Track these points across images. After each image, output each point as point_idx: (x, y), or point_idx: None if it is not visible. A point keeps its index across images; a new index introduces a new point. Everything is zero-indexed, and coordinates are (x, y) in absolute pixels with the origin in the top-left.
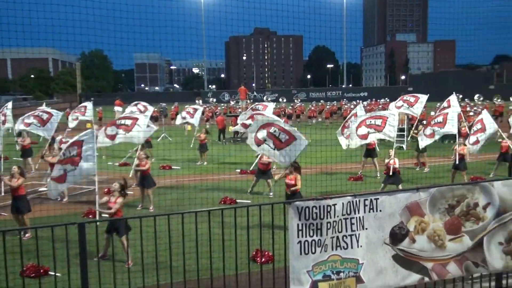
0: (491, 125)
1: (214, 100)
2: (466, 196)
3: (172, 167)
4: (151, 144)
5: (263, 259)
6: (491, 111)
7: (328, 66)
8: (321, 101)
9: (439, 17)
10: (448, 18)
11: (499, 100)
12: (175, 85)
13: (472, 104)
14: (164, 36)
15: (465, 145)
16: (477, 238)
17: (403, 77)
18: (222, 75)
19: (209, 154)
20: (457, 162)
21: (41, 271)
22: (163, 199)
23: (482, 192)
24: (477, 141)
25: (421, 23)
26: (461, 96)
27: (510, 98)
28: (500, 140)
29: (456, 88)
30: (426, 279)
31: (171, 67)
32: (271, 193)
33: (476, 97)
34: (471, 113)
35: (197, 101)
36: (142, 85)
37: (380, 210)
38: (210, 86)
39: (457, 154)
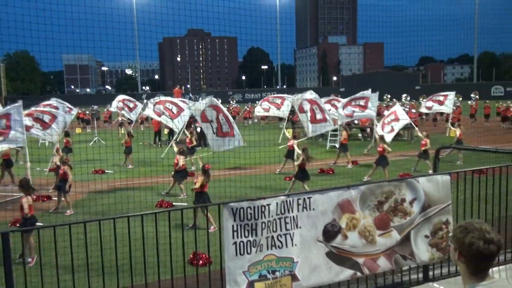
0: (403, 117)
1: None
2: (394, 193)
3: (106, 171)
4: (70, 149)
5: (200, 262)
6: (417, 110)
7: (263, 67)
8: (257, 102)
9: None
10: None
11: (424, 100)
12: (107, 86)
13: (400, 103)
14: (95, 37)
15: (384, 143)
16: (405, 232)
17: (335, 78)
18: (156, 77)
19: (145, 157)
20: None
21: None
22: (95, 204)
23: (408, 188)
24: (392, 130)
25: (351, 26)
26: (389, 96)
27: None
28: (419, 136)
29: (385, 88)
30: (359, 274)
31: (103, 69)
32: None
33: (403, 96)
34: None
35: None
36: (73, 87)
37: (313, 209)
38: (144, 87)
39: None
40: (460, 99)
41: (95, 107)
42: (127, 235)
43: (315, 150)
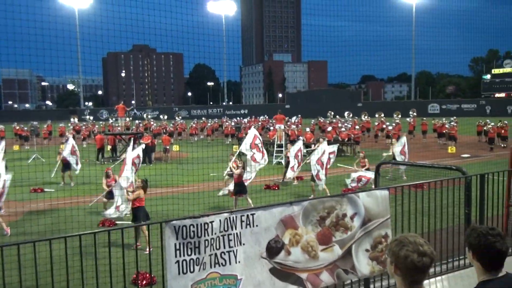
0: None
1: (92, 118)
2: (335, 208)
3: (45, 189)
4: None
5: (143, 282)
6: (359, 126)
7: (209, 83)
8: (203, 118)
9: (312, 40)
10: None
11: (366, 117)
12: (48, 102)
13: (343, 120)
14: (35, 52)
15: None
16: (346, 246)
17: (280, 95)
18: (100, 92)
19: (89, 175)
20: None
21: None
22: (31, 225)
23: (349, 203)
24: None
25: (296, 44)
26: (332, 112)
27: (376, 114)
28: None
29: (329, 105)
30: None
31: (43, 84)
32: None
33: (346, 114)
34: (343, 129)
35: (72, 119)
36: (10, 102)
37: (257, 225)
38: (86, 103)
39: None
40: (400, 116)
41: (34, 123)
42: (64, 256)
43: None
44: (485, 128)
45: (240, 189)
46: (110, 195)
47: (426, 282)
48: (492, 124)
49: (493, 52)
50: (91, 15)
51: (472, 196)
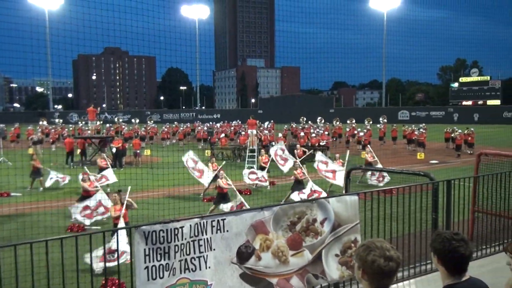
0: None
1: (61, 121)
2: (306, 213)
3: (11, 194)
4: None
5: None
6: (331, 132)
7: (182, 88)
8: (175, 122)
9: (285, 45)
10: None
11: (338, 123)
12: (15, 104)
13: (315, 126)
14: (3, 53)
15: (301, 168)
16: (316, 251)
17: (253, 100)
18: (70, 95)
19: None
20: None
21: None
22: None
23: (319, 209)
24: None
25: (269, 50)
26: (305, 118)
27: (347, 120)
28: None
29: (301, 111)
30: None
31: (11, 85)
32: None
33: (318, 119)
34: (313, 135)
35: (41, 122)
36: None
37: (227, 230)
38: (56, 106)
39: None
40: (371, 122)
41: (1, 125)
42: (30, 262)
43: (234, 171)
44: (452, 135)
45: (222, 200)
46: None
47: (394, 286)
48: (460, 131)
49: (460, 61)
50: (62, 16)
51: (439, 202)
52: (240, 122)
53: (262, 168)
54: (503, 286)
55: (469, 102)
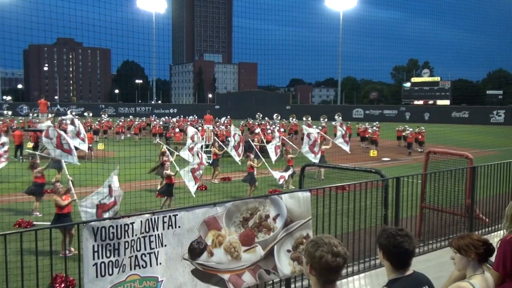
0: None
1: (10, 113)
2: (259, 209)
3: None
4: None
5: (62, 285)
6: (287, 129)
7: (137, 81)
8: (130, 116)
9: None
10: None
11: (294, 120)
12: None
13: (271, 122)
14: None
15: (252, 161)
16: (269, 247)
17: (210, 95)
18: (20, 86)
19: (4, 173)
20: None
21: None
22: None
23: (272, 205)
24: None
25: (227, 45)
26: (261, 114)
27: (303, 117)
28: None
29: (258, 107)
30: None
31: None
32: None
33: (275, 116)
34: (269, 131)
35: None
36: None
37: (179, 226)
38: (5, 97)
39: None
40: (326, 119)
41: None
42: None
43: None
44: (404, 133)
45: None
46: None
47: (344, 281)
48: (411, 129)
49: (413, 61)
50: (13, 5)
51: (389, 198)
52: (196, 117)
53: (214, 161)
54: (446, 280)
55: (420, 102)
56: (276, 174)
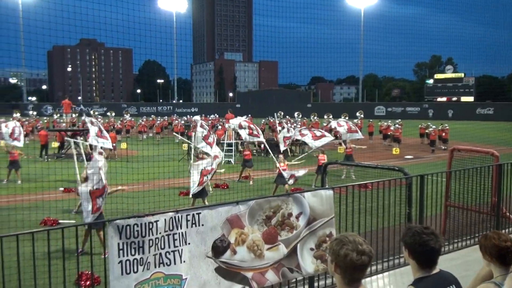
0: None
1: (35, 113)
2: (281, 207)
3: None
4: None
5: (87, 282)
6: (308, 127)
7: (159, 81)
8: (152, 116)
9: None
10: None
11: (315, 118)
12: None
13: (292, 120)
14: None
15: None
16: (292, 245)
17: (231, 94)
18: (44, 87)
19: (30, 172)
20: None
21: None
22: None
23: (295, 203)
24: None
25: (247, 44)
26: (282, 113)
27: (324, 116)
28: (317, 154)
29: (279, 105)
30: None
31: None
32: None
33: (295, 114)
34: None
35: (14, 114)
36: None
37: (202, 225)
38: (30, 98)
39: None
40: (347, 117)
41: None
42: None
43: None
44: (427, 130)
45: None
46: None
47: (368, 279)
48: (434, 127)
49: (436, 58)
50: (37, 7)
51: (413, 196)
52: (217, 116)
53: (246, 161)
54: (472, 279)
55: (444, 99)
56: (287, 174)
